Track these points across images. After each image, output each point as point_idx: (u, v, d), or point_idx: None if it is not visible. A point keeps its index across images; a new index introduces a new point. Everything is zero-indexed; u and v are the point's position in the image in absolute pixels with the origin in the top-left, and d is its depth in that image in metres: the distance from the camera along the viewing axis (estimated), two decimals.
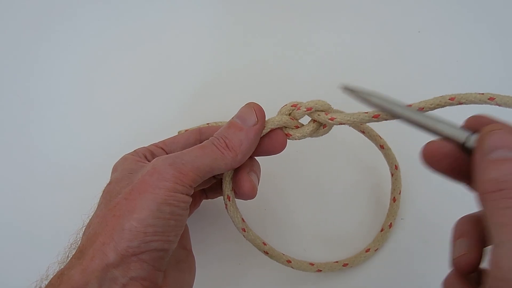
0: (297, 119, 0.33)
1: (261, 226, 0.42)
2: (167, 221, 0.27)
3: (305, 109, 0.32)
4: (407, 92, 0.44)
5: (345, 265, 0.39)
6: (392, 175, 0.40)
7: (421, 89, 0.45)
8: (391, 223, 0.40)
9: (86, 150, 0.44)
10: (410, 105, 0.29)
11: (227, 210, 0.34)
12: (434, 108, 0.29)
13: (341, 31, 0.47)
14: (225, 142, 0.31)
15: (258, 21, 0.48)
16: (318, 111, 0.33)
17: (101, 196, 0.31)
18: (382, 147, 0.38)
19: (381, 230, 0.40)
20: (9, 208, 0.43)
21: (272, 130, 0.33)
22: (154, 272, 0.27)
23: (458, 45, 0.46)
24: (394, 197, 0.40)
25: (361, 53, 0.46)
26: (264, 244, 0.36)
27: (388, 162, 0.39)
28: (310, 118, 0.33)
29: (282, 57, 0.47)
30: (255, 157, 0.35)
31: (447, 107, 0.30)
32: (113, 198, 0.29)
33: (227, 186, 0.34)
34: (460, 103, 0.29)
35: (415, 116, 0.28)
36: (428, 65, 0.46)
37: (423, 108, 0.29)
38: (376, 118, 0.30)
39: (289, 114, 0.33)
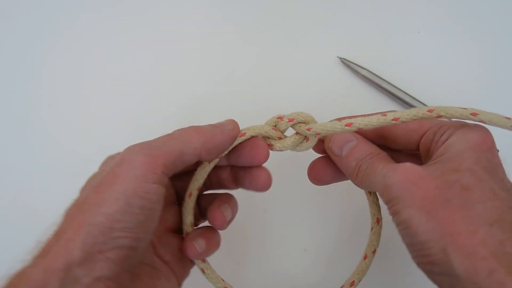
0: (281, 131, 0.33)
1: (261, 226, 0.43)
2: (136, 216, 0.26)
3: (287, 120, 0.33)
4: (407, 92, 0.44)
5: None
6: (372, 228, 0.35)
7: (421, 89, 0.45)
8: (353, 281, 0.34)
9: (84, 152, 0.44)
10: (385, 114, 0.29)
11: (183, 206, 0.34)
12: (411, 119, 0.28)
13: (340, 32, 0.47)
14: (195, 128, 0.30)
15: (259, 28, 0.48)
16: (300, 122, 0.33)
17: None
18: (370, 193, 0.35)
19: (351, 285, 0.34)
20: None
21: (252, 139, 0.33)
22: (121, 272, 0.26)
23: (458, 45, 0.46)
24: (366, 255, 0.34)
25: (361, 53, 0.46)
26: (203, 261, 0.34)
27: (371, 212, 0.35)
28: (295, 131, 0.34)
29: (280, 66, 0.47)
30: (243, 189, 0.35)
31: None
32: (82, 193, 0.28)
33: (194, 184, 0.33)
34: (439, 116, 0.28)
35: (390, 89, 0.44)
36: (428, 65, 0.46)
37: (398, 118, 0.29)
38: (348, 126, 0.30)
39: (275, 126, 0.33)
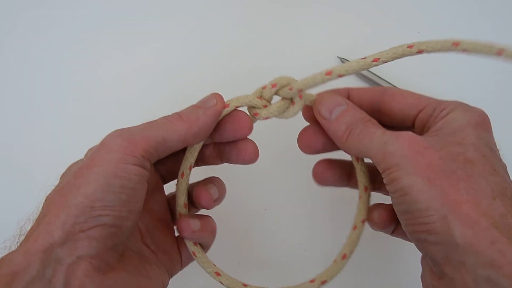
0: (266, 99, 0.33)
1: (261, 226, 0.43)
2: (117, 194, 0.26)
3: (271, 87, 0.32)
4: None
5: (323, 282, 0.33)
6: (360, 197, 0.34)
7: (421, 89, 0.44)
8: (345, 253, 0.33)
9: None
10: (364, 58, 0.29)
11: (176, 186, 0.33)
12: (391, 58, 0.28)
13: (340, 32, 0.47)
14: (179, 115, 0.30)
15: (259, 28, 0.48)
16: (283, 87, 0.32)
17: None
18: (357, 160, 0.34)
19: (334, 261, 0.34)
20: None
21: (235, 112, 0.32)
22: (105, 250, 0.26)
23: None
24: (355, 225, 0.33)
25: (361, 53, 0.46)
26: (195, 244, 0.34)
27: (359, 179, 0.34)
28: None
29: (280, 65, 0.47)
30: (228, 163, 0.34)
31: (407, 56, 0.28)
32: (62, 179, 0.28)
33: (185, 163, 0.33)
34: (420, 51, 0.27)
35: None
36: (428, 65, 0.46)
37: (378, 59, 0.28)
38: (329, 75, 0.29)
39: (260, 96, 0.33)
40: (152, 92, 0.46)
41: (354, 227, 0.33)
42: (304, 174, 0.41)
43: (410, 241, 0.27)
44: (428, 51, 0.27)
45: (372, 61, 0.28)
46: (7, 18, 0.49)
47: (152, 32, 0.48)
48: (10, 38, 0.48)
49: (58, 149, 0.45)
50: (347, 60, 0.45)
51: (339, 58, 0.46)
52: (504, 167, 0.27)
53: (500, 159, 0.27)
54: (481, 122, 0.27)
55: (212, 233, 0.34)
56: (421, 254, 0.28)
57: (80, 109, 0.46)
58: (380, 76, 0.45)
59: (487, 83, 0.45)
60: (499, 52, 0.26)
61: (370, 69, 0.45)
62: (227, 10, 0.49)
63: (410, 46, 0.27)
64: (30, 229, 0.26)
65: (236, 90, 0.45)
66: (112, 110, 0.46)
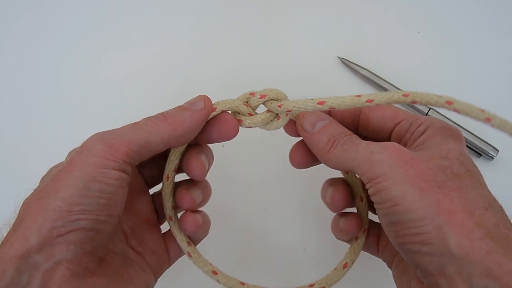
0: (252, 107, 0.32)
1: (261, 226, 0.43)
2: (96, 199, 0.25)
3: (259, 97, 0.32)
4: None
5: None
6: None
7: (420, 89, 0.44)
8: (346, 262, 0.33)
9: None
10: (359, 96, 0.28)
11: (162, 190, 0.33)
12: (385, 102, 0.28)
13: (340, 32, 0.47)
14: (163, 116, 0.29)
15: (259, 28, 0.48)
16: (272, 99, 0.32)
17: None
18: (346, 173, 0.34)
19: (335, 269, 0.34)
20: None
21: (221, 114, 0.31)
22: (83, 255, 0.25)
23: (458, 45, 0.46)
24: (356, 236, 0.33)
25: (361, 53, 0.46)
26: (189, 244, 0.33)
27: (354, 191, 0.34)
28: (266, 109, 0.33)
29: (280, 65, 0.47)
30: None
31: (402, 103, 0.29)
32: (41, 183, 0.28)
33: (169, 166, 0.32)
34: (414, 102, 0.28)
35: (390, 89, 0.43)
36: (428, 65, 0.46)
37: (372, 100, 0.28)
38: (321, 104, 0.29)
39: (247, 102, 0.32)
40: (151, 92, 0.46)
41: (356, 238, 0.33)
42: (304, 174, 0.41)
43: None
44: (422, 103, 0.28)
45: (366, 101, 0.28)
46: (7, 18, 0.49)
47: (151, 32, 0.48)
48: (10, 38, 0.48)
49: (58, 149, 0.45)
50: (347, 60, 0.45)
51: (339, 58, 0.46)
52: (484, 182, 0.27)
53: (481, 175, 0.27)
54: (459, 138, 0.28)
55: (208, 228, 0.34)
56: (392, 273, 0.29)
57: (80, 109, 0.46)
58: (383, 78, 0.45)
59: (487, 83, 0.45)
60: (488, 119, 0.26)
61: (375, 72, 0.45)
62: (227, 10, 0.49)
63: (405, 95, 0.28)
64: (6, 235, 0.26)
65: (235, 90, 0.45)
66: (112, 109, 0.46)
